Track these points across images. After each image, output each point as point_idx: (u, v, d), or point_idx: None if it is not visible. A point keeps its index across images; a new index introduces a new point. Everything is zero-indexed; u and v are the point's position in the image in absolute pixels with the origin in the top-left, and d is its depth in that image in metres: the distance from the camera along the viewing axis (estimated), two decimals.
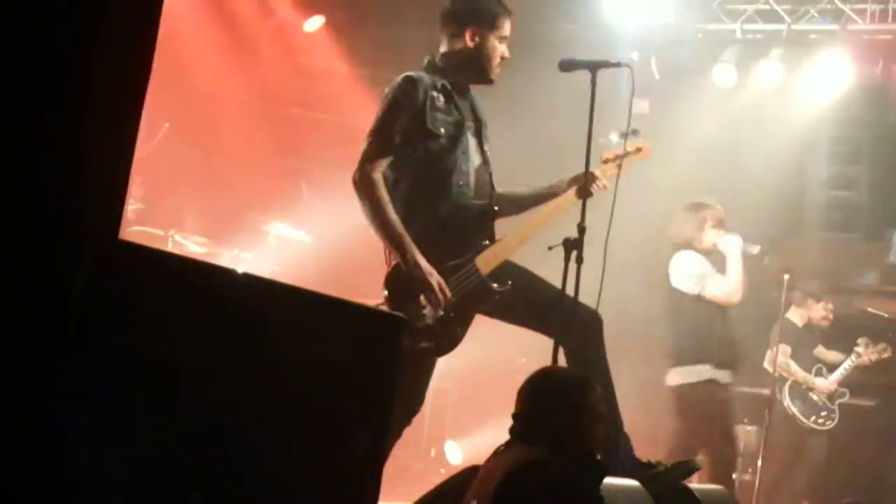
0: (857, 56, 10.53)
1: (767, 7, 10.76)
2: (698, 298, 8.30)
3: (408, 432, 5.64)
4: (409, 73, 5.52)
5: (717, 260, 8.49)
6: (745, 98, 11.15)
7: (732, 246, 8.37)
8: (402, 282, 5.30)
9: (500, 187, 5.79)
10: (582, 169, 5.49)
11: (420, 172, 5.44)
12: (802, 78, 10.92)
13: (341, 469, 2.83)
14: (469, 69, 5.65)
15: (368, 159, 5.38)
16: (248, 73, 11.52)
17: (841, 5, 10.41)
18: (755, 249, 8.62)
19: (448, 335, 5.38)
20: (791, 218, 12.12)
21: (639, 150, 5.91)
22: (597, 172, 5.61)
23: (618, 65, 5.40)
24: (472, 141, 5.59)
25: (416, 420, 5.71)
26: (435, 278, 5.25)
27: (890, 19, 10.39)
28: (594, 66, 5.32)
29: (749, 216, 11.44)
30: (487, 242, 5.52)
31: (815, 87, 10.90)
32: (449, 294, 5.29)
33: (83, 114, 2.20)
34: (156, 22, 2.36)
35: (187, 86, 10.45)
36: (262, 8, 11.47)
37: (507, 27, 5.64)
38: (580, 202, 5.48)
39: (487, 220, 5.60)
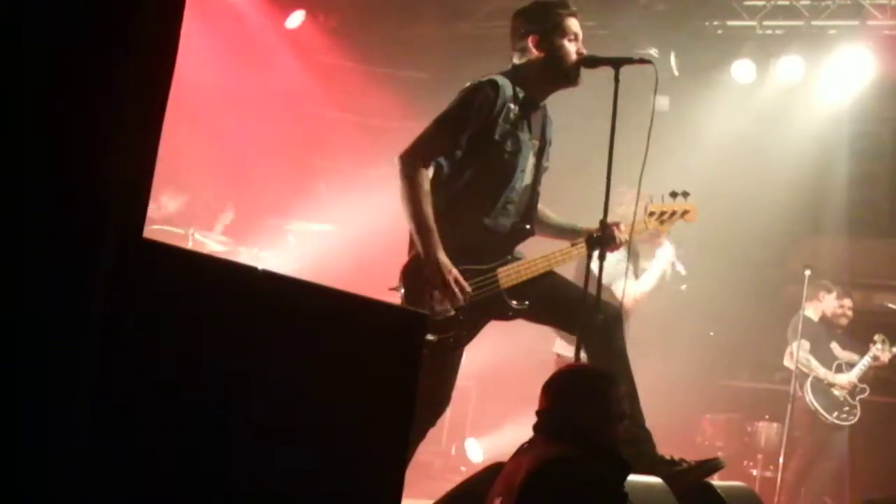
0: (877, 51, 10.49)
1: (786, 3, 10.73)
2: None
3: (429, 431, 5.64)
4: (494, 78, 5.42)
5: None
6: (764, 94, 11.13)
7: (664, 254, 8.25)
8: (418, 274, 5.28)
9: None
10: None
11: (475, 178, 5.39)
12: (822, 74, 10.89)
13: (364, 467, 2.83)
14: (546, 77, 5.53)
15: (423, 146, 5.33)
16: (266, 72, 11.55)
17: (861, 0, 10.37)
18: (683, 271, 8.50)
19: (454, 335, 5.33)
20: (811, 215, 12.12)
21: (686, 212, 5.86)
22: (622, 228, 5.52)
23: (641, 61, 5.36)
24: (531, 160, 5.53)
25: None
26: (453, 275, 5.21)
27: None
28: (617, 63, 5.27)
29: (769, 213, 11.46)
30: (511, 258, 5.48)
31: (835, 83, 10.87)
32: (468, 290, 5.27)
33: (107, 113, 2.21)
34: (178, 22, 2.36)
35: (205, 86, 10.47)
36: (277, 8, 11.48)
37: (572, 25, 5.51)
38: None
39: (520, 236, 5.56)
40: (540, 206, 5.77)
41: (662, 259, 8.26)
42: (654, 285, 8.39)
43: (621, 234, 5.50)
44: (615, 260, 7.50)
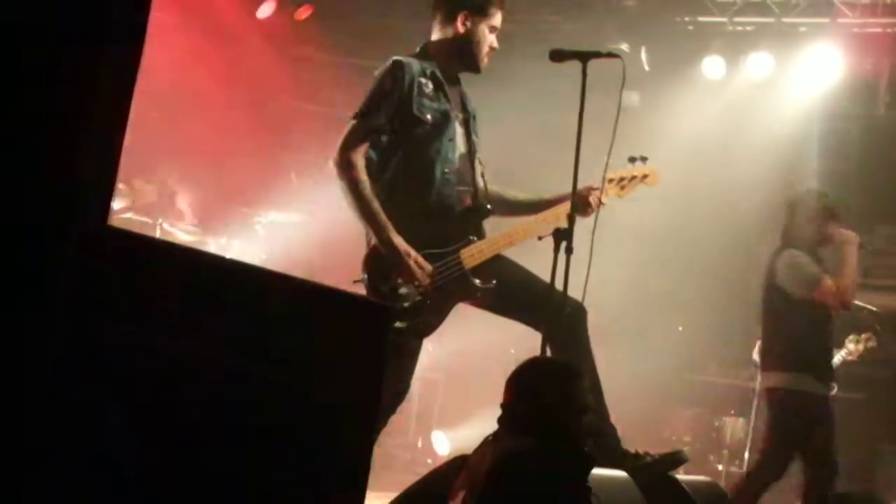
0: (846, 49, 10.55)
1: None
2: (807, 302, 7.58)
3: (396, 422, 5.65)
4: (397, 58, 5.53)
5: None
6: (734, 91, 11.18)
7: (851, 242, 7.65)
8: (379, 262, 5.30)
9: (497, 184, 5.79)
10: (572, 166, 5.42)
11: (405, 158, 5.45)
12: (792, 71, 10.94)
13: (329, 459, 2.83)
14: (458, 56, 5.67)
15: (350, 140, 5.39)
16: (236, 62, 11.51)
17: None
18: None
19: (423, 321, 5.36)
20: (779, 211, 12.15)
21: (646, 175, 5.85)
22: (594, 190, 5.58)
23: (609, 55, 5.38)
24: (459, 130, 5.59)
25: (404, 410, 5.71)
26: (412, 257, 5.24)
27: (880, 13, 10.40)
28: (585, 57, 5.28)
29: (739, 209, 11.50)
30: (474, 238, 5.51)
31: (805, 80, 10.92)
32: (430, 269, 5.29)
33: (73, 101, 2.20)
34: (146, 13, 2.36)
35: (173, 76, 10.44)
36: None
37: (498, 18, 5.67)
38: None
39: (479, 215, 5.59)
40: (499, 187, 5.84)
41: (853, 242, 7.62)
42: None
43: (595, 198, 5.58)
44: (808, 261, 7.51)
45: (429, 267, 5.31)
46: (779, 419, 7.55)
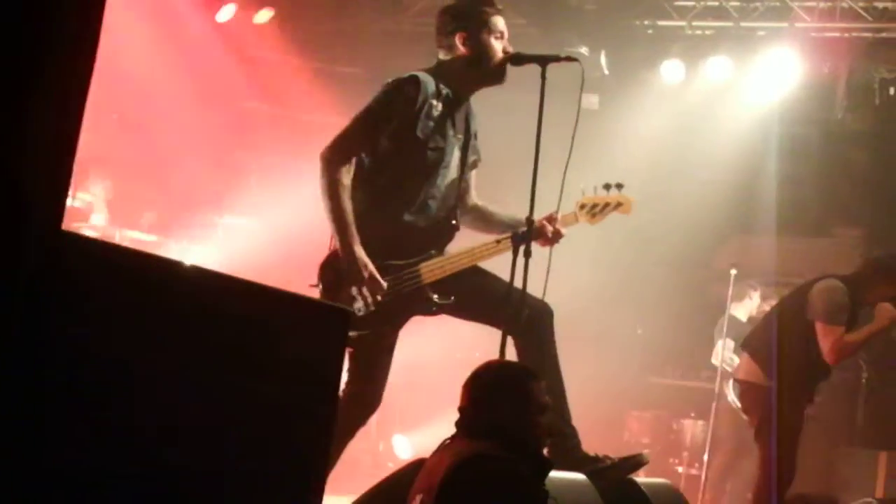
0: (804, 53, 10.63)
1: (716, 3, 10.84)
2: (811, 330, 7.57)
3: None
4: (416, 74, 5.39)
5: None
6: (693, 94, 11.25)
7: (886, 318, 7.50)
8: (336, 269, 5.26)
9: (482, 199, 5.77)
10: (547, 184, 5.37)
11: (396, 174, 5.37)
12: (751, 75, 11.02)
13: (286, 463, 2.83)
14: (474, 77, 5.53)
15: (343, 143, 5.31)
16: (197, 66, 11.49)
17: (789, 3, 10.50)
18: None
19: (374, 331, 5.30)
20: (739, 215, 12.25)
21: (620, 204, 5.77)
22: (559, 219, 5.50)
23: (567, 59, 5.38)
24: (456, 155, 5.52)
25: None
26: (368, 271, 5.18)
27: (837, 17, 10.49)
28: (544, 61, 5.29)
29: (697, 212, 11.57)
30: (434, 252, 5.47)
31: (764, 84, 11.01)
32: (383, 287, 5.24)
33: (25, 103, 2.19)
34: (100, 11, 2.34)
35: (133, 78, 10.41)
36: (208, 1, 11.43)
37: (499, 23, 5.51)
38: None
39: (446, 232, 5.55)
40: (481, 202, 5.79)
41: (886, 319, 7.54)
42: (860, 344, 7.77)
43: (552, 228, 5.48)
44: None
45: (383, 285, 5.25)
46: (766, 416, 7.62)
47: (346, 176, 5.27)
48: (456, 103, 5.49)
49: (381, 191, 5.37)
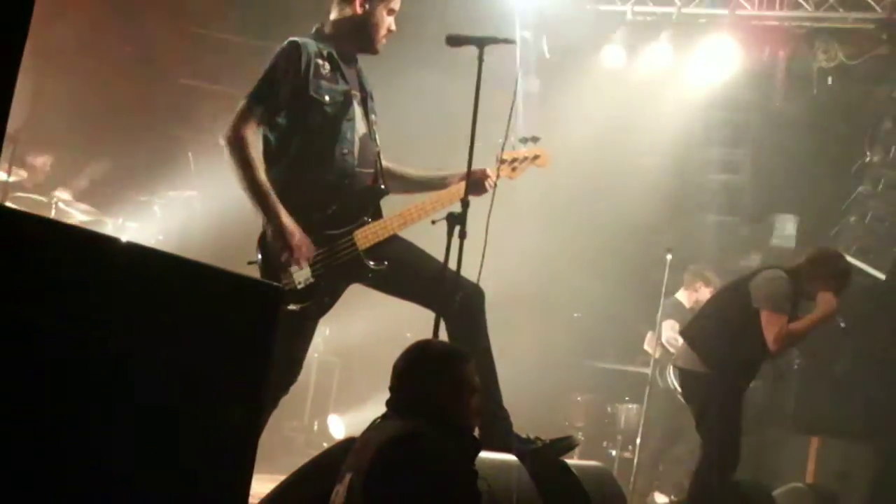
0: (744, 41, 10.74)
1: None
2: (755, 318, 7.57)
3: (291, 405, 5.65)
4: (293, 39, 5.48)
5: None
6: (634, 79, 11.32)
7: (829, 311, 7.60)
8: (272, 243, 5.28)
9: (392, 162, 5.79)
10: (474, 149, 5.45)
11: (304, 139, 5.41)
12: (691, 61, 11.10)
13: (215, 441, 2.82)
14: (356, 37, 5.63)
15: (241, 119, 5.33)
16: (137, 39, 11.39)
17: None
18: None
19: (315, 302, 5.35)
20: (676, 199, 12.33)
21: (536, 157, 5.88)
22: (489, 171, 5.62)
23: (505, 41, 5.41)
24: (357, 110, 5.58)
25: (299, 393, 5.70)
26: (296, 238, 5.23)
27: (777, 6, 10.59)
28: (481, 42, 5.32)
29: (635, 196, 11.62)
30: (369, 219, 5.50)
31: (703, 70, 11.09)
32: (310, 254, 5.28)
33: None
34: None
35: (69, 49, 10.32)
36: None
37: (396, 0, 5.64)
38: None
39: (374, 196, 5.57)
40: (397, 165, 5.84)
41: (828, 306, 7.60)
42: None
43: (490, 182, 5.63)
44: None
45: (312, 250, 5.30)
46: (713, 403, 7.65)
47: (254, 150, 5.31)
48: (342, 61, 5.58)
49: (295, 160, 5.40)
